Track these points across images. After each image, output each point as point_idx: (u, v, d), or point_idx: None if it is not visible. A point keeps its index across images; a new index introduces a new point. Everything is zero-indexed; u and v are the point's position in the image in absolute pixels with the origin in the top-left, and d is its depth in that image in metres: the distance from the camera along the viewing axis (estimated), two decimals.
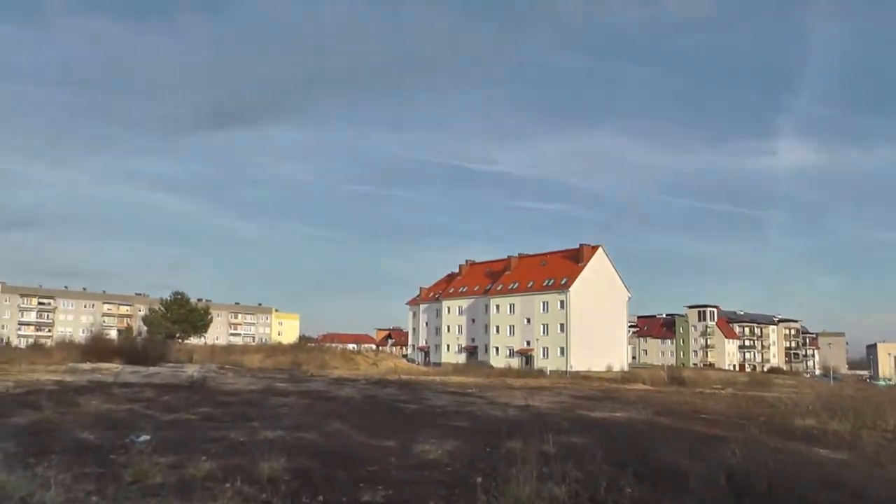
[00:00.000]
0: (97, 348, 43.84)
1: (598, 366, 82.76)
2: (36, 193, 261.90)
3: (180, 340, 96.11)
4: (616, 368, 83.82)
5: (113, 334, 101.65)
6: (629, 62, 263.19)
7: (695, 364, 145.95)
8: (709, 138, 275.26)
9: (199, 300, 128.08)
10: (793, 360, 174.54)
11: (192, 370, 36.96)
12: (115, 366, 37.41)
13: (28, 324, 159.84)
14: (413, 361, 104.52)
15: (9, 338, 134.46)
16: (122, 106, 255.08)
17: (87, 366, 36.92)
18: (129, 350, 44.27)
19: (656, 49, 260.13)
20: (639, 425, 19.74)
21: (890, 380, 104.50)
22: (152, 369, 36.66)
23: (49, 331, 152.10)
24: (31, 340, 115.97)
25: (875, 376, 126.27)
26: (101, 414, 16.51)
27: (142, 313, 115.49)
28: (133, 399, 20.08)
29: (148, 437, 12.77)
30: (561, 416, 21.46)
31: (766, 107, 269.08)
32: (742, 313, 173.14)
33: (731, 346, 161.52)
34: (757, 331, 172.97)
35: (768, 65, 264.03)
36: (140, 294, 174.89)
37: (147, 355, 43.21)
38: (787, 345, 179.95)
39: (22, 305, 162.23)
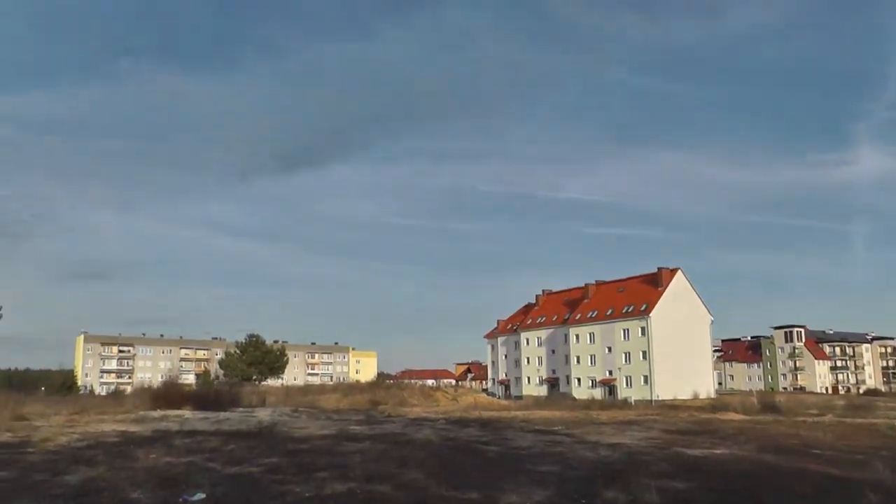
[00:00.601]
0: (169, 394, 43.41)
1: (683, 393, 79.83)
2: (113, 243, 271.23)
3: (257, 382, 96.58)
4: (702, 396, 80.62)
5: (191, 379, 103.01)
6: (696, 80, 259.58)
7: (784, 388, 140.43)
8: (784, 151, 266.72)
9: (276, 342, 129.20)
10: (891, 380, 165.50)
11: (263, 415, 36.09)
12: (185, 412, 36.77)
13: (109, 371, 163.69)
14: (493, 395, 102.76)
15: (92, 386, 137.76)
16: (192, 154, 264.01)
17: (156, 413, 36.38)
18: (200, 396, 43.79)
19: (721, 64, 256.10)
20: (745, 465, 17.87)
21: None
22: (223, 415, 35.86)
23: (129, 377, 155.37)
24: (112, 388, 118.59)
25: None
26: (159, 469, 15.48)
27: (219, 357, 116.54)
28: (195, 450, 19.04)
29: (203, 496, 11.93)
30: (656, 455, 19.55)
31: (842, 114, 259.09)
32: (832, 332, 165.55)
33: (822, 368, 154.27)
34: (849, 350, 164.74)
35: (841, 70, 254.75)
36: (217, 338, 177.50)
37: (219, 400, 42.61)
38: (884, 364, 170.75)
39: (103, 354, 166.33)
